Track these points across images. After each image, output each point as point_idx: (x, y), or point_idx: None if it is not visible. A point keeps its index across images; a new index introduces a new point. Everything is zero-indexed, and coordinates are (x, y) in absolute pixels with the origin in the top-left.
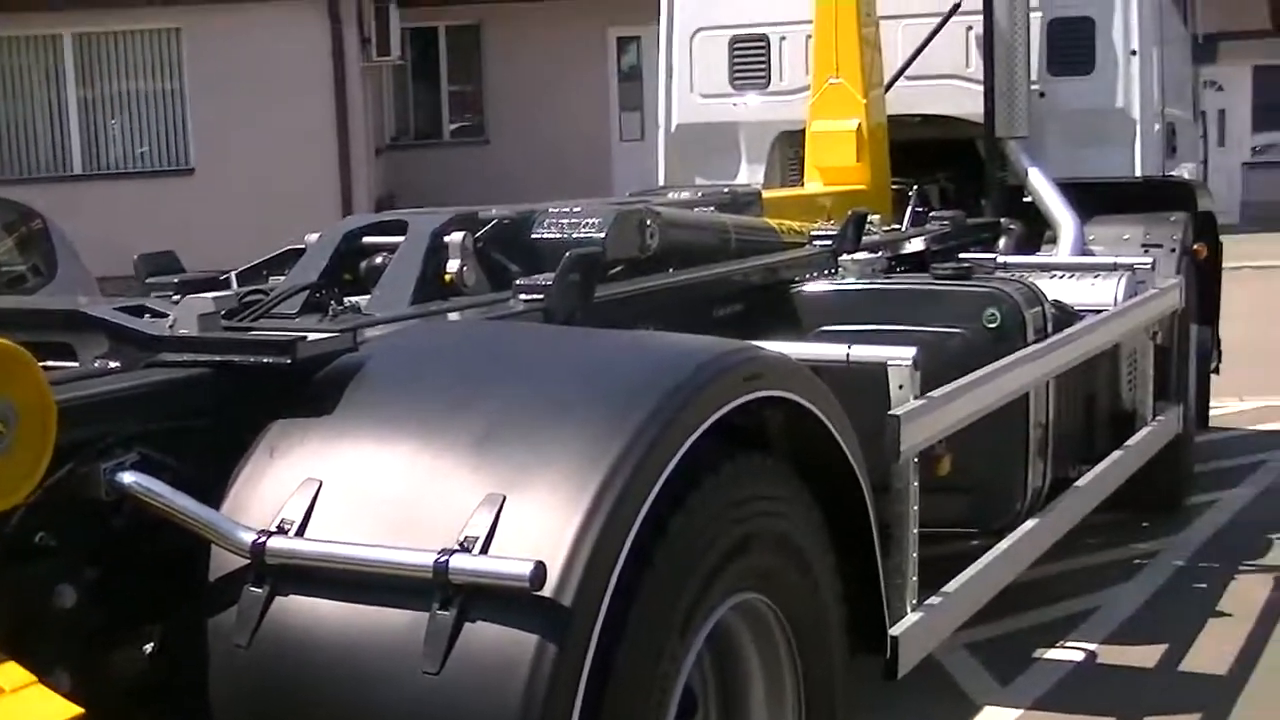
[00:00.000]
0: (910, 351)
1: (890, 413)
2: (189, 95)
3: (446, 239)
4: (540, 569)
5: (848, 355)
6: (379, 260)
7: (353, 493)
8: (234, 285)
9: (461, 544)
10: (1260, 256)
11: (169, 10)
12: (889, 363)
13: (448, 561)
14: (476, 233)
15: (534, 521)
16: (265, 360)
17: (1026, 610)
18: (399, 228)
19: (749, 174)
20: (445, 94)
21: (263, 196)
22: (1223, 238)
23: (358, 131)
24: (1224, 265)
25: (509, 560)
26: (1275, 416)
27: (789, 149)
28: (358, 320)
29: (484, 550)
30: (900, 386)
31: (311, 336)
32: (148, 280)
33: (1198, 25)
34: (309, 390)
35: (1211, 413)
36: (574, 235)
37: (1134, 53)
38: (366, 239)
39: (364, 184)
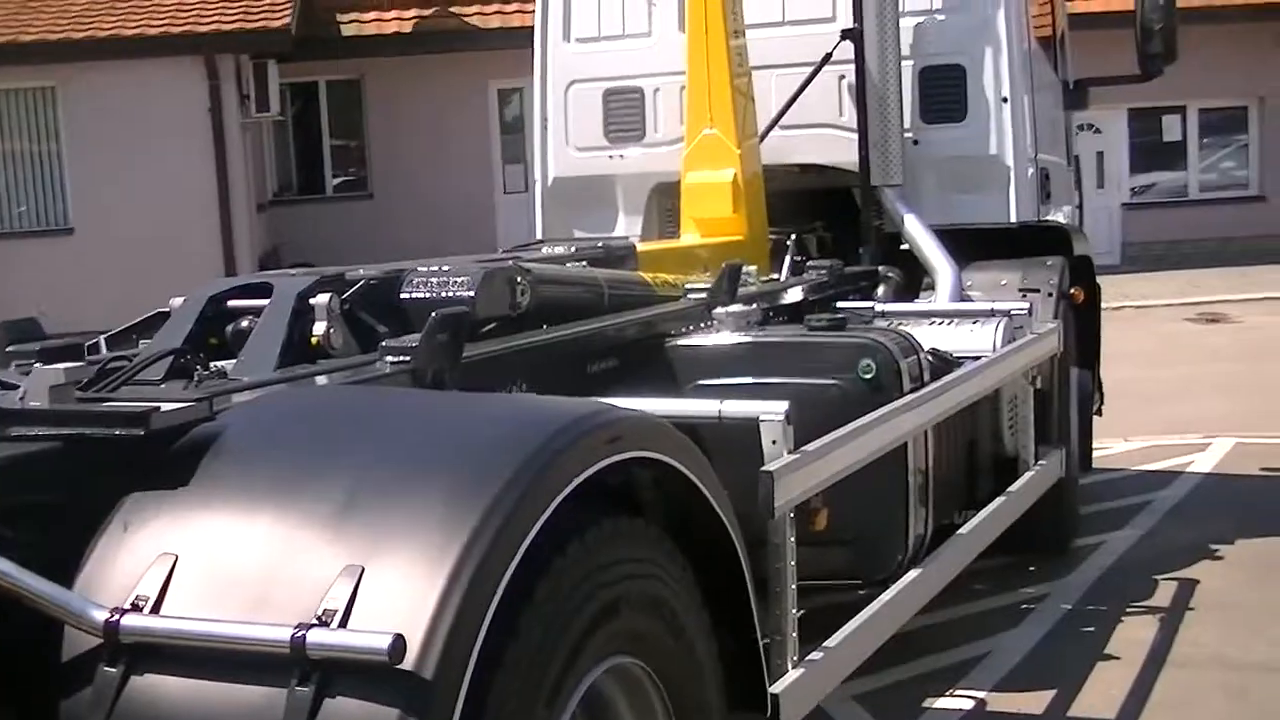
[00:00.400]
0: (782, 406)
1: (763, 469)
2: (66, 154)
3: (312, 301)
4: (399, 641)
5: (719, 412)
6: (245, 324)
7: (209, 566)
8: (104, 350)
9: (319, 617)
10: (1140, 296)
11: (44, 69)
12: (761, 418)
13: (305, 636)
14: (343, 294)
15: (393, 592)
16: (117, 432)
17: (915, 659)
18: (264, 290)
19: (627, 226)
20: (327, 149)
21: (145, 255)
22: (1104, 278)
23: (238, 188)
24: (1105, 305)
25: (367, 634)
26: (1159, 456)
27: (666, 201)
28: (217, 387)
29: (343, 623)
30: (773, 442)
31: (166, 407)
32: (9, 349)
33: (1068, 72)
34: (164, 461)
35: (1096, 454)
36: (443, 294)
37: (1005, 100)
38: (232, 302)
39: (246, 240)
